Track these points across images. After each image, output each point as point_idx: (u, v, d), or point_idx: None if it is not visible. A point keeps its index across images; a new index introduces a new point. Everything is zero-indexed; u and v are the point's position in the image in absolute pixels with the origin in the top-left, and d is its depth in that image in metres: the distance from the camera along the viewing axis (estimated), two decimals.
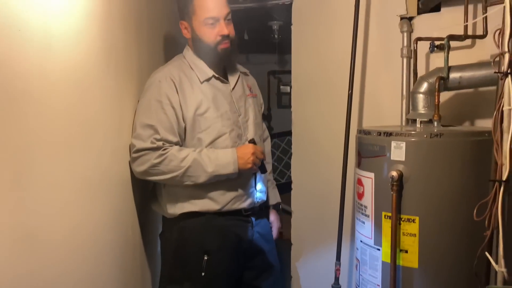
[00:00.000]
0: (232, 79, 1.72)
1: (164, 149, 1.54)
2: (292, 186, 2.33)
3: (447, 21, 1.86)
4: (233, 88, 1.71)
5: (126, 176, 1.59)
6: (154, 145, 1.53)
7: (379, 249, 1.53)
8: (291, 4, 2.25)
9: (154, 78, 1.61)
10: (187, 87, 1.61)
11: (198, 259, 1.60)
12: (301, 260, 2.32)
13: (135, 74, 1.67)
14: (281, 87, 4.38)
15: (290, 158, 2.36)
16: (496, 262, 1.07)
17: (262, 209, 1.83)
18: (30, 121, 1.03)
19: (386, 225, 1.49)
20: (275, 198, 1.96)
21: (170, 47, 2.05)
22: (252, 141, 1.64)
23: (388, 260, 1.47)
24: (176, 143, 1.58)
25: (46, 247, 1.10)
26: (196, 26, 1.62)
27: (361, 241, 1.62)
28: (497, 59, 1.11)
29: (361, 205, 1.60)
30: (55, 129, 1.13)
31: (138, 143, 1.54)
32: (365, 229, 1.58)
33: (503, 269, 1.05)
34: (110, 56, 1.45)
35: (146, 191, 1.75)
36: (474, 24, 1.84)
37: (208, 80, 1.65)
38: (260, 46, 3.49)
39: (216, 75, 1.66)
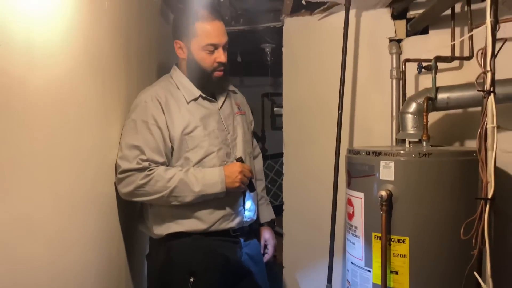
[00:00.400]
0: (220, 97, 1.73)
1: (150, 170, 1.53)
2: (284, 207, 2.32)
3: (435, 43, 1.90)
4: (221, 107, 1.71)
5: (111, 195, 1.56)
6: (140, 166, 1.52)
7: (369, 271, 1.51)
8: (282, 27, 2.29)
9: (140, 99, 1.61)
10: (173, 107, 1.61)
11: (183, 281, 1.56)
12: (293, 282, 2.28)
13: (123, 90, 1.65)
14: (275, 109, 4.42)
15: None
16: (485, 282, 1.05)
17: (252, 229, 1.80)
18: (10, 135, 1.01)
19: (376, 246, 1.47)
20: (269, 215, 1.92)
21: (161, 64, 2.05)
22: (239, 159, 1.63)
23: (379, 282, 1.45)
24: (163, 164, 1.57)
25: (24, 263, 1.07)
26: (194, 49, 1.63)
27: (351, 262, 1.60)
28: (481, 79, 1.12)
29: (351, 225, 1.58)
30: (36, 144, 1.10)
31: (123, 163, 1.53)
32: (356, 250, 1.56)
33: None
34: (97, 71, 1.43)
35: (133, 211, 1.72)
36: (462, 47, 1.88)
37: (195, 99, 1.65)
38: (254, 69, 3.53)
39: (203, 95, 1.67)
